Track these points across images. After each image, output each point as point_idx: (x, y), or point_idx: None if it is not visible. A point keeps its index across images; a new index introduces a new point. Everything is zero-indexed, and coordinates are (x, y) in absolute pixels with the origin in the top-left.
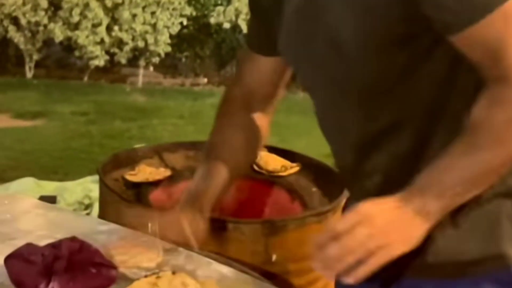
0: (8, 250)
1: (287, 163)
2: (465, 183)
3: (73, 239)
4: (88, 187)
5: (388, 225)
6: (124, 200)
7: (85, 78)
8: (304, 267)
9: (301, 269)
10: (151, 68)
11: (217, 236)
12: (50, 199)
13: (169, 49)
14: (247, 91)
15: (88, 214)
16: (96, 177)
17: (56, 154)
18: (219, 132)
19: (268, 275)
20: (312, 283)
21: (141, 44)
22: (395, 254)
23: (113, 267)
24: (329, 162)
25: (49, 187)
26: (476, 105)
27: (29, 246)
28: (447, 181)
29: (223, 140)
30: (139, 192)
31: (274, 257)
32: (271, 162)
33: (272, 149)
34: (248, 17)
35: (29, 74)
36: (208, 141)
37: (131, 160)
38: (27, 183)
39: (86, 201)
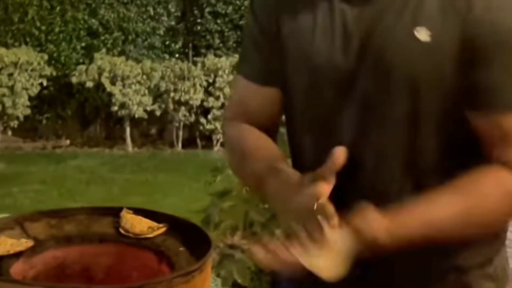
0: None
1: (153, 224)
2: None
3: None
4: None
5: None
6: None
7: None
8: None
9: None
10: (9, 133)
11: None
12: None
13: (28, 111)
14: (252, 123)
15: None
16: None
17: None
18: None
19: None
20: None
21: None
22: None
23: None
24: (199, 218)
25: None
26: (483, 176)
27: None
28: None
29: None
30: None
31: None
32: (137, 224)
33: (138, 211)
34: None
35: None
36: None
37: None
38: None
39: None
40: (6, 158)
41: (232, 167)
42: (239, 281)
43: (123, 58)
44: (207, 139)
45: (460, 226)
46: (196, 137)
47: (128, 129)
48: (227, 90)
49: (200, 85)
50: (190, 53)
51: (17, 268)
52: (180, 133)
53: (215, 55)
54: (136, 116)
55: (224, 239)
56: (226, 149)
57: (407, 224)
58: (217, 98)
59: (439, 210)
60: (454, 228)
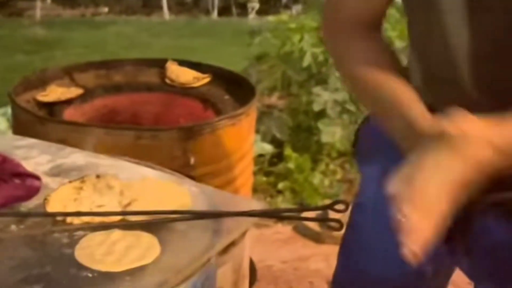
0: None
1: (198, 74)
2: None
3: None
4: None
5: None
6: (39, 118)
7: None
8: (221, 168)
9: (218, 170)
10: (49, 1)
11: (135, 145)
12: None
13: None
14: (353, 20)
15: None
16: (1, 110)
17: None
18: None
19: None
20: (229, 182)
21: None
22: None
23: (36, 177)
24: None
25: None
26: None
27: None
28: None
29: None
30: (52, 112)
31: (192, 161)
32: (182, 74)
33: (183, 62)
34: None
35: None
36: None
37: (41, 81)
38: None
39: None
40: (47, 24)
41: (354, 93)
42: (278, 136)
43: None
44: (242, 7)
45: None
46: (231, 5)
47: None
48: None
49: None
50: None
51: (69, 114)
52: (216, 1)
53: None
54: None
55: (262, 99)
56: (340, 72)
57: None
58: None
59: None
60: None
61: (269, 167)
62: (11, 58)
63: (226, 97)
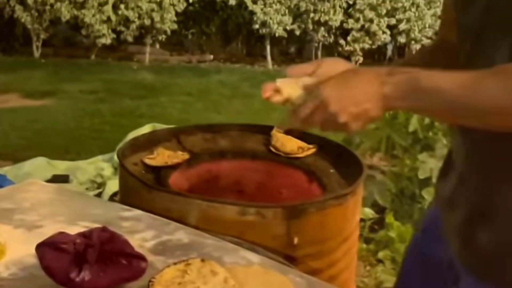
0: (36, 238)
1: (304, 144)
2: (440, 104)
3: (103, 229)
4: (100, 166)
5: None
6: (146, 185)
7: (93, 57)
8: (324, 249)
9: (321, 251)
10: (158, 46)
11: (239, 220)
12: (63, 178)
13: (175, 26)
14: (439, 39)
15: (100, 192)
16: (107, 156)
17: (67, 133)
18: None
19: (289, 259)
20: (331, 265)
21: (147, 22)
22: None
23: (142, 258)
24: (338, 137)
25: (61, 166)
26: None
27: (61, 234)
28: (431, 92)
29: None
30: (158, 176)
31: (295, 241)
32: (287, 144)
33: (288, 131)
34: None
35: (36, 53)
36: None
37: (149, 143)
38: (40, 163)
39: (99, 180)
40: (154, 69)
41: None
42: (380, 202)
43: None
44: (346, 59)
45: (464, 93)
46: (334, 56)
47: (268, 47)
48: (367, 12)
49: (340, 6)
50: None
51: (174, 178)
52: (319, 53)
53: None
54: (276, 34)
55: (363, 159)
56: None
57: (407, 70)
58: (357, 20)
59: (441, 73)
60: (456, 92)
61: (370, 233)
62: (119, 103)
63: (332, 170)
